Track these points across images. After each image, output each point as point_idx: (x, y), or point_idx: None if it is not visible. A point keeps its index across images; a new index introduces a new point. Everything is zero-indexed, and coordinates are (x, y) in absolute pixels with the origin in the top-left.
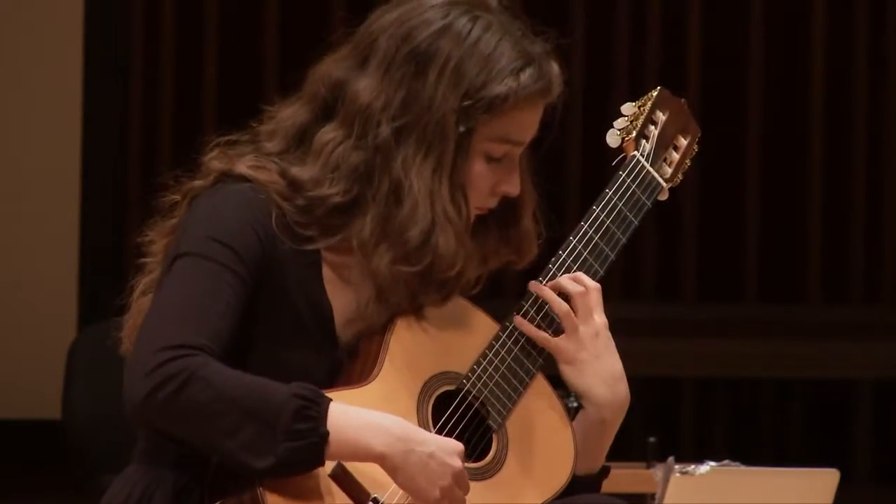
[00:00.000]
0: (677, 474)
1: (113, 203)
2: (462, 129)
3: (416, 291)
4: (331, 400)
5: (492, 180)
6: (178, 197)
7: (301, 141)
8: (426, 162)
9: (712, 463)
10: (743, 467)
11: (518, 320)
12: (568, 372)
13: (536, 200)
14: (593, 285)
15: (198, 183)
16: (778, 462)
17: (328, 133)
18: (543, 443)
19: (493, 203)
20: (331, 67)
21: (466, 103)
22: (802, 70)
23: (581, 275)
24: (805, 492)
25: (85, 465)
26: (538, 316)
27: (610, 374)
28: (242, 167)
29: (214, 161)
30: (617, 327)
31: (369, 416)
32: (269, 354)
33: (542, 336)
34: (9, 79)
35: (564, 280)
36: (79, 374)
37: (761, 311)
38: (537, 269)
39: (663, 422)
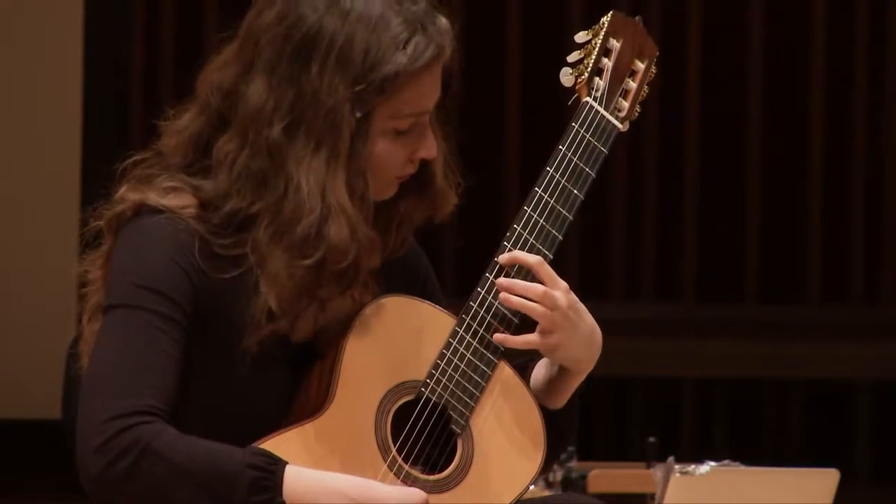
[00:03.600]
0: (677, 474)
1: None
2: (359, 114)
3: (312, 287)
4: (286, 464)
5: (404, 151)
6: (101, 223)
7: (204, 152)
8: (318, 155)
9: (712, 463)
10: (743, 467)
11: (498, 337)
12: (554, 357)
13: (447, 151)
14: (537, 259)
15: (119, 209)
16: (778, 462)
17: (226, 143)
18: (511, 434)
19: (412, 169)
20: (219, 75)
21: (359, 88)
22: (802, 70)
23: (518, 255)
24: (805, 492)
25: None
26: (496, 302)
27: (588, 337)
28: (154, 196)
29: (129, 192)
30: (617, 327)
31: (326, 480)
32: (216, 384)
33: (524, 339)
34: (9, 78)
35: (515, 257)
36: (79, 374)
37: (761, 311)
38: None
39: (663, 422)
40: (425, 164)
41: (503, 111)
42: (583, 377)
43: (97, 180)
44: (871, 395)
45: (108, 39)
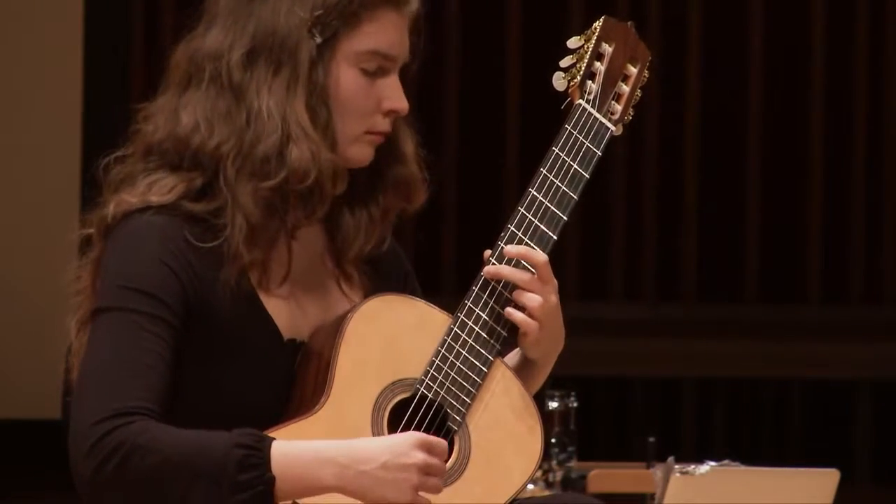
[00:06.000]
0: (677, 474)
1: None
2: (319, 40)
3: (279, 211)
4: (273, 440)
5: (372, 96)
6: (91, 230)
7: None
8: (277, 79)
9: (712, 463)
10: (743, 467)
11: (490, 270)
12: (531, 347)
13: (416, 144)
14: (544, 259)
15: (105, 214)
16: (778, 462)
17: (191, 94)
18: (508, 431)
19: (385, 125)
20: (184, 47)
21: (317, 13)
22: (802, 70)
23: (528, 250)
24: (805, 492)
25: None
26: (491, 300)
27: (559, 347)
28: (139, 196)
29: (114, 196)
30: (617, 327)
31: (313, 450)
32: (211, 383)
33: (519, 316)
34: (9, 78)
35: (525, 252)
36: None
37: (761, 311)
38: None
39: (663, 422)
40: (395, 151)
41: (503, 113)
42: (547, 371)
43: (97, 181)
44: (871, 395)
45: (108, 40)
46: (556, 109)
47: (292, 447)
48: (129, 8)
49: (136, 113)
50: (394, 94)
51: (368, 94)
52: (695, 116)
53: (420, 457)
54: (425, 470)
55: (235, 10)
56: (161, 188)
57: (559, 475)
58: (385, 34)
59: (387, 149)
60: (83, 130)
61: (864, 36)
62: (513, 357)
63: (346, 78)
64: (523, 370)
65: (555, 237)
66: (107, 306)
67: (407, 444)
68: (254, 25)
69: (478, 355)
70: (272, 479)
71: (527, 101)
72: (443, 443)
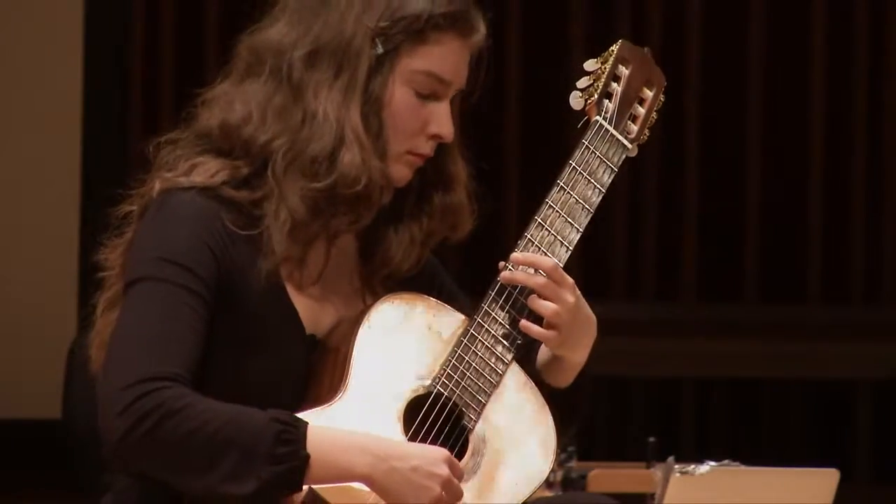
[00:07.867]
0: (677, 474)
1: (113, 203)
2: (381, 50)
3: (324, 213)
4: (307, 423)
5: (420, 117)
6: (132, 207)
7: None
8: (337, 83)
9: (712, 463)
10: (743, 467)
11: (523, 323)
12: (557, 348)
13: (469, 175)
14: (552, 263)
15: (149, 189)
16: (778, 462)
17: (249, 85)
18: (523, 432)
19: (427, 148)
20: (248, 37)
21: (383, 24)
22: (803, 70)
23: (536, 256)
24: (805, 492)
25: (85, 464)
26: (507, 304)
27: (589, 336)
28: (181, 177)
29: (155, 177)
30: (617, 327)
31: (348, 437)
32: (234, 369)
33: (536, 331)
34: (9, 78)
35: (533, 258)
36: (79, 374)
37: (761, 311)
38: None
39: (663, 422)
40: (445, 177)
41: (503, 117)
42: (580, 360)
43: (97, 180)
44: (871, 395)
45: (108, 40)
46: (556, 114)
47: (328, 431)
48: (130, 8)
49: (194, 97)
50: (440, 120)
51: (417, 115)
52: (695, 116)
53: (446, 471)
54: (446, 486)
55: (304, 7)
56: (205, 171)
57: (559, 475)
58: (446, 59)
59: (438, 175)
60: (83, 130)
61: (865, 36)
62: (543, 352)
63: (399, 94)
64: (554, 364)
65: (571, 248)
66: (144, 276)
67: (437, 458)
68: (320, 26)
69: (493, 358)
70: (307, 457)
71: (527, 108)
72: (462, 469)
